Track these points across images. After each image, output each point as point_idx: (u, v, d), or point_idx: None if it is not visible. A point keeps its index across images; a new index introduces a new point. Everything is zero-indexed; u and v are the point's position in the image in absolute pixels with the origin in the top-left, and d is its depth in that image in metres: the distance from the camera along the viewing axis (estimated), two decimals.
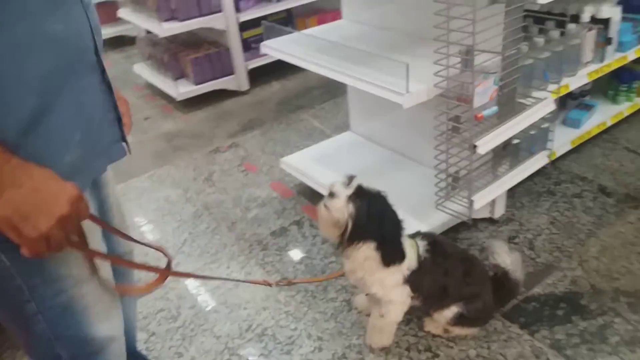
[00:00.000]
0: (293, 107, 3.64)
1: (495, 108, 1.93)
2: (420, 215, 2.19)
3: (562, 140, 2.59)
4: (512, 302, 1.92)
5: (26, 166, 0.81)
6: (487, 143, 1.88)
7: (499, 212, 2.34)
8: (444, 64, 1.82)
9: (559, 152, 2.57)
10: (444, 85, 1.86)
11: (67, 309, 0.99)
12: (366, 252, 1.56)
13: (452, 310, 1.72)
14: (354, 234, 1.53)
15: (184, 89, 3.73)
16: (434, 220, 2.17)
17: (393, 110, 2.55)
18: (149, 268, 1.16)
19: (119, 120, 1.04)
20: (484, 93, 1.87)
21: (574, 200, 2.42)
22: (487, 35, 1.75)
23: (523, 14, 1.92)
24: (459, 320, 1.72)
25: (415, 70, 1.81)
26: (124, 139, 1.07)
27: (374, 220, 1.53)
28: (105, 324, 1.07)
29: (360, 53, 2.09)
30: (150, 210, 2.74)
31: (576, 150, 2.72)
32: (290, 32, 2.49)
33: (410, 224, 2.11)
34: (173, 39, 3.99)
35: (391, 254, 1.58)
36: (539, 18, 2.25)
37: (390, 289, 1.65)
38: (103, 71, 0.99)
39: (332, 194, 1.54)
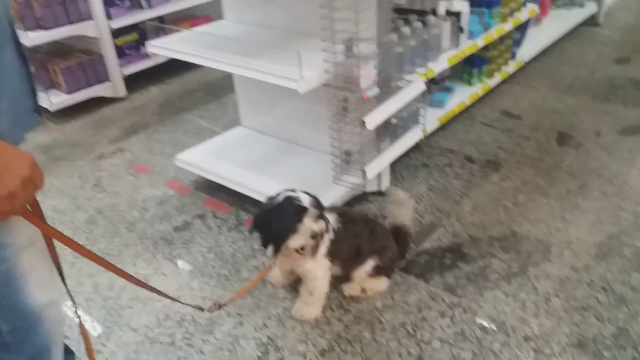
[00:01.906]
0: (176, 109, 3.66)
1: (377, 89, 2.16)
2: (319, 194, 2.36)
3: (430, 119, 2.92)
4: (407, 258, 2.17)
5: None
6: (373, 119, 2.10)
7: (385, 184, 2.60)
8: (331, 51, 2.01)
9: (429, 130, 2.90)
10: (332, 69, 2.05)
11: (8, 277, 1.00)
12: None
13: (369, 264, 1.95)
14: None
15: (56, 99, 3.57)
16: (330, 197, 2.36)
17: (282, 101, 2.72)
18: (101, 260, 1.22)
19: (32, 91, 1.07)
20: (367, 76, 2.10)
21: (446, 169, 2.75)
22: (363, 25, 1.98)
23: (392, 6, 2.19)
24: (377, 271, 1.95)
25: (304, 60, 1.98)
26: (37, 109, 1.09)
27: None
28: (41, 293, 1.08)
29: (252, 47, 2.22)
30: None
31: (442, 128, 3.08)
32: (178, 30, 2.55)
33: None
34: (38, 49, 3.80)
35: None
36: (402, 12, 2.54)
37: (319, 262, 1.82)
38: (17, 42, 1.01)
39: (316, 235, 1.69)
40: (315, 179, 2.46)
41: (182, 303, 1.69)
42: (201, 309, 1.76)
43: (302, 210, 1.67)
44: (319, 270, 1.85)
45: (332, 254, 1.86)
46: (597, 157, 2.77)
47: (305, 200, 1.68)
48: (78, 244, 1.16)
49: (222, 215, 2.54)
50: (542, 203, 2.46)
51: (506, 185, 2.61)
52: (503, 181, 2.64)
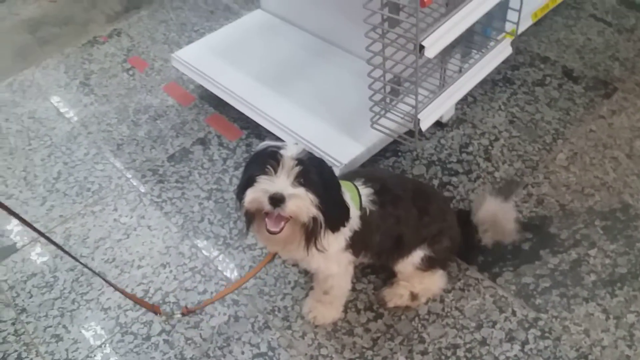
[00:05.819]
0: None
1: None
2: (354, 128, 1.73)
3: (522, 13, 2.09)
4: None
5: None
6: (437, 40, 1.36)
7: (448, 113, 1.91)
8: None
9: (519, 29, 2.09)
10: None
11: None
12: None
13: (417, 255, 1.38)
14: (329, 220, 1.12)
15: None
16: (372, 136, 1.72)
17: None
18: None
19: None
20: None
21: (536, 90, 2.00)
22: None
23: None
24: (428, 263, 1.39)
25: None
26: None
27: (328, 191, 1.12)
28: None
29: None
30: (11, 134, 2.12)
31: (536, 22, 2.24)
32: None
33: (344, 142, 1.69)
34: None
35: (338, 217, 1.16)
36: None
37: (332, 259, 1.26)
38: None
39: (277, 199, 1.04)
40: (352, 98, 1.81)
41: (136, 302, 1.27)
42: (156, 313, 1.32)
43: (272, 156, 1.07)
44: (332, 267, 1.30)
45: (357, 247, 1.29)
46: None
47: (289, 151, 1.08)
48: None
49: (229, 143, 1.96)
50: None
51: (619, 122, 1.86)
52: (615, 115, 1.89)
